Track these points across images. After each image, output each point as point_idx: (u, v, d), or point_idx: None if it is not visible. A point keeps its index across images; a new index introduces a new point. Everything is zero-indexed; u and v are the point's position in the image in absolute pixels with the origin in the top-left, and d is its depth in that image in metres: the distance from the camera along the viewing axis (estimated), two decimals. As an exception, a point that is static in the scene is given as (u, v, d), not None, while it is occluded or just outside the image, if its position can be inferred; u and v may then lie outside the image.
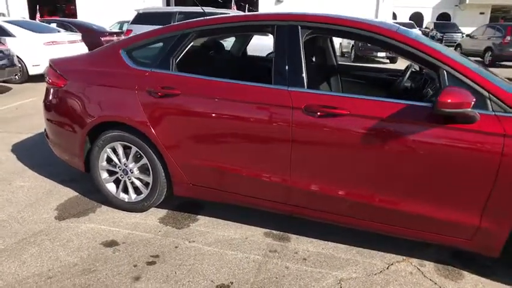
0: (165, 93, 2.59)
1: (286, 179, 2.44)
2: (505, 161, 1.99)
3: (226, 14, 2.92)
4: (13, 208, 3.01)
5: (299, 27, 2.40)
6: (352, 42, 15.37)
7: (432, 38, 25.64)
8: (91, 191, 3.25)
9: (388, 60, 15.36)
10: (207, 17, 2.65)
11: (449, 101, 1.91)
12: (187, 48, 2.69)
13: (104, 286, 2.16)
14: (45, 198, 3.18)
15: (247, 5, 16.34)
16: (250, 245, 2.58)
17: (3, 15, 21.45)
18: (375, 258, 2.46)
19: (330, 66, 3.67)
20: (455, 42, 20.46)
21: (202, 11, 7.71)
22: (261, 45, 7.45)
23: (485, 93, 2.06)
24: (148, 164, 2.79)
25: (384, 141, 2.16)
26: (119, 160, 2.88)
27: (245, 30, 2.64)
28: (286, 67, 2.37)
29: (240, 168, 2.54)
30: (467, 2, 33.42)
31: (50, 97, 3.07)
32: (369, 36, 2.30)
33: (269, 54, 5.20)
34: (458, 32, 25.75)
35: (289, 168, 2.41)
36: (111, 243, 2.58)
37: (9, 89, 7.81)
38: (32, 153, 4.16)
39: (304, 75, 2.35)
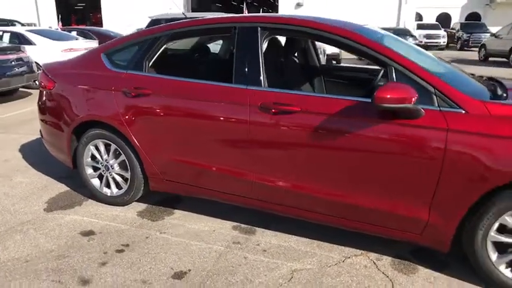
0: (137, 93, 2.77)
1: (248, 173, 2.55)
2: (448, 157, 2.03)
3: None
4: (8, 201, 3.27)
5: (258, 28, 2.52)
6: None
7: (458, 39, 24.94)
8: (81, 186, 3.46)
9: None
10: (177, 22, 2.82)
11: (388, 96, 1.97)
12: (160, 51, 2.86)
13: (73, 270, 2.34)
14: (39, 193, 3.43)
15: (261, 10, 16.45)
16: (216, 237, 2.71)
17: (34, 25, 22.65)
18: (334, 252, 2.53)
19: (313, 67, 3.75)
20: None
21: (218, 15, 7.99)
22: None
23: (431, 89, 2.11)
24: (126, 160, 2.97)
25: (333, 137, 2.25)
26: (101, 157, 3.09)
27: (211, 32, 2.79)
28: (246, 67, 2.49)
29: (207, 164, 2.68)
30: (498, 0, 32.27)
31: (42, 99, 3.32)
32: (318, 34, 2.40)
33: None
34: (487, 32, 24.90)
35: (250, 164, 2.52)
36: (88, 233, 2.77)
37: (29, 94, 8.30)
38: (36, 153, 4.46)
39: (262, 74, 2.46)
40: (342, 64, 12.70)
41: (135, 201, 3.19)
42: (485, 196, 2.01)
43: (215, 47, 3.98)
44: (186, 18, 3.08)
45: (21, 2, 26.63)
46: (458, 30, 25.72)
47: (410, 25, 24.90)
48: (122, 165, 3.04)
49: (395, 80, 2.17)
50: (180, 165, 2.77)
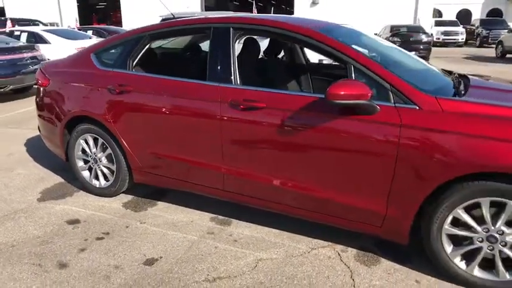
0: (121, 90, 2.93)
1: (220, 167, 2.67)
2: (401, 151, 2.10)
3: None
4: (6, 191, 3.49)
5: (230, 29, 2.63)
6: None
7: (478, 35, 24.33)
8: (74, 179, 3.64)
9: (419, 60, 14.91)
10: (159, 22, 2.95)
11: (340, 93, 2.05)
12: (142, 50, 3.01)
13: (54, 255, 2.52)
14: (35, 184, 3.64)
15: (272, 9, 16.50)
16: (192, 227, 2.84)
17: (56, 24, 23.38)
18: (302, 243, 2.62)
19: (299, 65, 3.83)
20: (502, 40, 19.31)
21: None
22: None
23: (388, 86, 2.17)
24: (112, 154, 3.14)
25: (295, 132, 2.34)
26: (90, 150, 3.26)
27: (189, 32, 2.92)
28: (218, 65, 2.61)
29: (183, 157, 2.81)
30: (521, -4, 31.28)
31: (39, 96, 3.52)
32: (281, 33, 2.49)
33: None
34: (507, 29, 24.20)
35: (221, 157, 2.64)
36: (74, 221, 2.95)
37: (43, 91, 8.65)
38: (39, 147, 4.68)
39: (233, 72, 2.57)
40: (330, 62, 12.67)
41: (123, 193, 3.35)
42: (438, 190, 2.07)
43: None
44: (174, 18, 3.21)
45: (45, 3, 27.53)
46: (477, 27, 25.10)
47: (428, 22, 24.45)
48: (109, 158, 3.21)
49: (353, 77, 2.24)
50: (159, 158, 2.91)
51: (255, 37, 3.05)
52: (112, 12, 32.76)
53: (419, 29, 14.92)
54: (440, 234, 2.14)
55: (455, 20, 26.12)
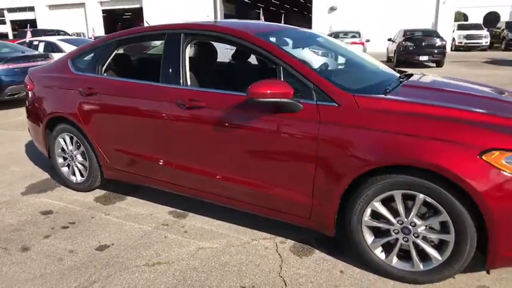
0: (89, 92, 3.19)
1: (172, 162, 2.87)
2: (320, 146, 2.23)
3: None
4: (-3, 185, 3.83)
5: (182, 34, 2.84)
6: (395, 47, 14.99)
7: (503, 38, 23.60)
8: (57, 174, 3.95)
9: (434, 64, 14.68)
10: (125, 30, 3.21)
11: (261, 91, 2.21)
12: (110, 55, 3.27)
13: (20, 240, 2.79)
14: (24, 179, 3.97)
15: (282, 16, 16.69)
16: (150, 219, 3.05)
17: (82, 34, 24.49)
18: (245, 235, 2.77)
19: (252, 67, 3.91)
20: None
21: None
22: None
23: (311, 85, 2.31)
24: (85, 151, 3.40)
25: (229, 129, 2.51)
26: (67, 148, 3.55)
27: (149, 38, 3.16)
28: (169, 68, 2.82)
29: (142, 154, 3.03)
30: (551, -3, 30.02)
31: (28, 99, 3.86)
32: (221, 36, 2.68)
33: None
34: (535, 31, 23.35)
35: (172, 153, 2.84)
36: (47, 212, 3.22)
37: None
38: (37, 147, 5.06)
39: (181, 74, 2.77)
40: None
41: (100, 188, 3.61)
42: (355, 183, 2.18)
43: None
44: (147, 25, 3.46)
45: (73, 14, 28.93)
46: (503, 30, 24.35)
47: (449, 26, 23.96)
48: (83, 155, 3.48)
49: (282, 77, 2.40)
50: (122, 155, 3.15)
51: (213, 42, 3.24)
52: (136, 22, 33.93)
53: (433, 33, 14.70)
54: (361, 225, 2.24)
55: (479, 23, 25.42)
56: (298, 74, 2.35)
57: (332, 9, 25.59)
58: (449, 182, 1.94)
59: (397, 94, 2.34)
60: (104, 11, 29.70)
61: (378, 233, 2.26)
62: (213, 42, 3.19)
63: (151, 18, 27.78)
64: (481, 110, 2.14)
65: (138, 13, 30.96)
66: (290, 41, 2.91)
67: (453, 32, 24.25)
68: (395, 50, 14.83)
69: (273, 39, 2.65)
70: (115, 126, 3.09)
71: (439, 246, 2.10)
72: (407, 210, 2.12)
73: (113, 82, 3.12)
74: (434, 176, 1.97)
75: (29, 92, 3.79)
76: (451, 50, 24.29)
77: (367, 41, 17.17)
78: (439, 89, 2.64)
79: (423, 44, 13.88)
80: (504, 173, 1.86)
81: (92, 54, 3.35)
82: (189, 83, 2.79)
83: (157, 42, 5.24)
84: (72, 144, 3.50)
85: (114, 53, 3.29)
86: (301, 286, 2.22)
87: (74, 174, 3.61)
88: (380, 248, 2.26)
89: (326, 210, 2.32)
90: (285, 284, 2.25)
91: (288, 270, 2.36)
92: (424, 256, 2.15)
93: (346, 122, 2.18)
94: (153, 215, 3.12)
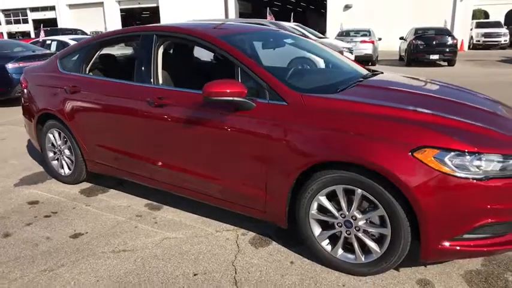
0: (73, 90, 3.40)
1: (144, 157, 3.05)
2: (271, 143, 2.35)
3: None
4: (-6, 177, 4.10)
5: (154, 36, 3.00)
6: (405, 46, 14.83)
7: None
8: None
9: (445, 63, 14.46)
10: (106, 32, 3.39)
11: (214, 90, 2.35)
12: (94, 55, 3.47)
13: (4, 227, 3.02)
14: (20, 172, 4.22)
15: (292, 14, 16.68)
16: (126, 211, 3.23)
17: (101, 33, 25.09)
18: (211, 227, 2.92)
19: (222, 66, 4.03)
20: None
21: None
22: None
23: (264, 85, 2.44)
24: (71, 146, 3.62)
25: (191, 126, 2.66)
26: (56, 143, 3.77)
27: (127, 40, 3.34)
28: (142, 67, 2.99)
29: (120, 149, 3.22)
30: None
31: (23, 96, 4.10)
32: (186, 38, 2.84)
33: None
34: (557, 29, 22.61)
35: (144, 148, 3.01)
36: (34, 202, 3.45)
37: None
38: (38, 142, 5.34)
39: (152, 73, 2.94)
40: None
41: (86, 181, 3.83)
42: (302, 178, 2.30)
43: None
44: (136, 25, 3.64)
45: (92, 13, 29.68)
46: (522, 28, 23.67)
47: (467, 24, 23.43)
48: (70, 150, 3.69)
49: (240, 77, 2.53)
50: (101, 150, 3.34)
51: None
52: (153, 20, 34.52)
53: (444, 32, 14.46)
54: (308, 218, 2.36)
55: (499, 21, 24.77)
56: (253, 74, 2.48)
57: (347, 7, 25.42)
58: (384, 178, 2.03)
59: (345, 94, 2.43)
60: (122, 10, 30.36)
61: (325, 226, 2.37)
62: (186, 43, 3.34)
63: (168, 16, 28.27)
64: (420, 109, 2.21)
65: (155, 12, 31.53)
66: (258, 43, 3.03)
67: (471, 30, 23.73)
68: (406, 49, 14.67)
69: (237, 41, 2.78)
70: (95, 123, 3.29)
71: (379, 239, 2.20)
72: (350, 205, 2.22)
73: (94, 81, 3.32)
74: (370, 172, 2.06)
75: (24, 90, 4.04)
76: (469, 49, 23.79)
77: (379, 39, 16.99)
78: (391, 88, 2.70)
79: (434, 42, 13.68)
80: (433, 169, 1.94)
81: (77, 55, 3.56)
82: (160, 82, 2.96)
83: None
84: (60, 139, 3.73)
85: (97, 53, 3.49)
86: (250, 274, 2.35)
87: (62, 167, 3.83)
88: (327, 241, 2.37)
89: (278, 203, 2.44)
90: (236, 271, 2.38)
91: (242, 260, 2.50)
92: (366, 249, 2.24)
93: (293, 120, 2.29)
94: (130, 207, 3.31)
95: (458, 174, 1.94)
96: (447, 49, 13.73)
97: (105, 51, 3.70)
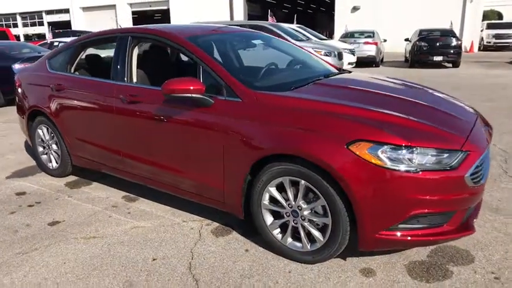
0: (58, 88, 3.62)
1: (119, 151, 3.24)
2: (227, 137, 2.51)
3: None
4: (-12, 170, 4.35)
5: (129, 37, 3.19)
6: (408, 48, 14.80)
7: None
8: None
9: (450, 65, 14.37)
10: (87, 34, 3.61)
11: (172, 87, 2.52)
12: (78, 55, 3.68)
13: (-11, 215, 3.25)
14: (13, 166, 4.47)
15: (295, 16, 16.78)
16: (104, 202, 3.43)
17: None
18: (179, 217, 3.09)
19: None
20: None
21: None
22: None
23: (223, 83, 2.59)
24: (57, 141, 3.84)
25: (158, 121, 2.84)
26: (45, 138, 4.00)
27: (107, 41, 3.54)
28: (117, 66, 3.19)
29: (98, 144, 3.41)
30: None
31: (16, 95, 4.35)
32: (157, 39, 3.02)
33: None
34: None
35: (118, 143, 3.20)
36: (21, 193, 3.68)
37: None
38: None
39: (126, 72, 3.12)
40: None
41: (73, 174, 4.04)
42: (253, 170, 2.44)
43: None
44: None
45: (105, 15, 30.29)
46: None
47: (477, 25, 23.15)
48: (57, 144, 3.91)
49: (201, 75, 2.69)
50: (82, 144, 3.55)
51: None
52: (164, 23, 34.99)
53: (449, 33, 14.38)
54: (261, 208, 2.50)
55: (511, 22, 24.38)
56: (213, 73, 2.64)
57: (355, 8, 25.39)
58: (323, 169, 2.16)
59: (297, 92, 2.57)
60: (133, 13, 30.92)
61: (276, 216, 2.51)
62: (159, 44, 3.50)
63: (178, 18, 28.67)
64: (362, 106, 2.33)
65: (166, 14, 32.00)
66: (225, 44, 3.19)
67: (481, 31, 23.45)
68: (410, 50, 14.64)
69: (202, 42, 2.94)
70: (76, 118, 3.50)
71: (323, 228, 2.33)
72: (296, 196, 2.36)
73: (75, 79, 3.53)
74: (311, 164, 2.20)
75: (18, 89, 4.28)
76: (479, 50, 23.51)
77: (384, 41, 16.99)
78: (345, 87, 2.82)
79: (437, 44, 13.63)
80: (367, 162, 2.07)
81: (63, 55, 3.78)
82: (135, 80, 3.14)
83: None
84: (48, 135, 3.95)
85: (81, 53, 3.70)
86: (205, 260, 2.51)
87: (50, 161, 4.06)
88: (278, 230, 2.51)
89: (235, 194, 2.59)
90: (192, 257, 2.54)
91: (200, 247, 2.66)
92: (311, 237, 2.38)
93: (246, 116, 2.44)
94: (108, 198, 3.50)
95: (391, 167, 2.06)
96: (451, 50, 13.66)
97: (91, 51, 3.91)
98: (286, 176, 2.33)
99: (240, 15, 26.85)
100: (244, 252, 2.59)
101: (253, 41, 3.54)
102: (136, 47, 3.21)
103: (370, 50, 14.53)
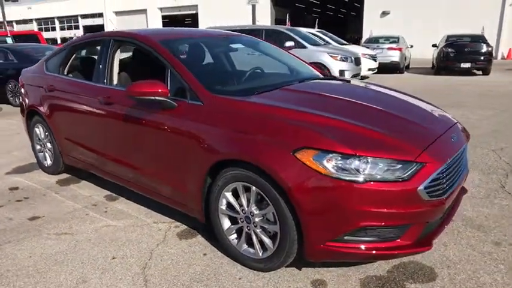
0: (50, 89, 3.77)
1: (98, 151, 3.33)
2: (187, 141, 2.52)
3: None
4: (-8, 165, 4.59)
5: (111, 40, 3.29)
6: (436, 54, 14.32)
7: None
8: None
9: (480, 72, 13.75)
10: (79, 37, 3.74)
11: (136, 90, 2.57)
12: (70, 58, 3.83)
13: (-21, 208, 3.42)
14: (15, 162, 4.70)
15: (316, 20, 16.62)
16: (85, 200, 3.53)
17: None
18: (151, 218, 3.14)
19: None
20: None
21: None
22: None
23: (187, 86, 2.62)
24: (50, 139, 4.00)
25: (128, 123, 2.91)
26: (40, 136, 4.18)
27: (94, 44, 3.65)
28: (99, 69, 3.29)
29: (82, 143, 3.53)
30: None
31: (20, 95, 4.57)
32: (133, 42, 3.11)
33: None
34: None
35: (98, 143, 3.30)
36: (14, 189, 3.86)
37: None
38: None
39: (106, 74, 3.22)
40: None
41: (66, 172, 4.19)
42: (212, 175, 2.45)
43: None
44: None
45: (137, 19, 31.25)
46: None
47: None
48: (51, 143, 4.07)
49: (169, 78, 2.72)
50: (69, 143, 3.68)
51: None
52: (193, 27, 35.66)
53: (479, 39, 13.78)
54: (218, 213, 2.50)
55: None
56: (178, 76, 2.67)
57: (384, 13, 24.87)
58: (270, 176, 2.13)
59: (259, 96, 2.54)
60: (164, 17, 31.74)
61: (233, 221, 2.50)
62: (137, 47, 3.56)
63: (205, 23, 29.14)
64: (317, 112, 2.28)
65: (195, 18, 32.65)
66: (201, 48, 3.23)
67: (519, 36, 22.32)
68: (436, 57, 14.16)
69: (175, 46, 2.98)
70: (64, 118, 3.64)
71: (274, 236, 2.29)
72: (249, 202, 2.34)
73: (64, 80, 3.68)
74: (260, 170, 2.17)
75: (21, 89, 4.50)
76: (518, 57, 22.39)
77: (411, 46, 16.54)
78: (312, 93, 2.74)
79: (466, 50, 13.09)
80: (311, 170, 2.02)
81: (57, 57, 3.94)
82: (115, 82, 3.23)
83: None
84: (43, 133, 4.12)
85: (72, 55, 3.85)
86: (161, 261, 2.54)
87: (45, 159, 4.23)
88: (234, 235, 2.50)
89: (195, 198, 2.60)
90: (150, 258, 2.57)
91: (161, 249, 2.68)
92: (264, 245, 2.34)
93: (205, 119, 2.45)
94: (91, 197, 3.61)
95: (336, 176, 2.00)
96: (481, 57, 13.08)
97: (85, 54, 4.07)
98: (239, 182, 2.32)
99: (266, 19, 26.94)
100: (202, 256, 2.59)
101: (233, 45, 3.55)
102: (118, 50, 3.30)
103: (393, 56, 14.17)
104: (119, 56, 3.33)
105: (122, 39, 3.27)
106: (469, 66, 13.17)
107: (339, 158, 2.01)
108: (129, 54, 3.92)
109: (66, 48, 3.89)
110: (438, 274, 2.36)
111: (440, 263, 2.47)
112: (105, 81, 3.23)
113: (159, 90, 2.55)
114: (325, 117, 2.24)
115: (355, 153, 2.01)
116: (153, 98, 2.57)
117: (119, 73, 3.32)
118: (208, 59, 3.20)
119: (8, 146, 5.45)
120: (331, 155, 2.02)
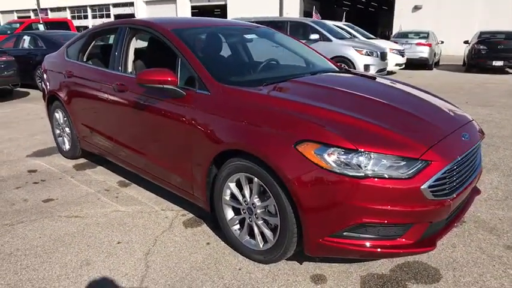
0: (69, 75, 3.87)
1: (112, 137, 3.40)
2: (194, 130, 2.53)
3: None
4: (15, 148, 4.77)
5: (127, 28, 3.32)
6: (467, 51, 13.78)
7: None
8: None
9: (511, 70, 13.15)
10: (98, 24, 3.80)
11: (145, 78, 2.59)
12: (89, 44, 3.90)
13: (0, 188, 3.56)
14: (37, 146, 4.86)
15: (313, 11, 16.13)
16: (99, 185, 3.62)
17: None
18: (160, 205, 3.18)
19: None
20: None
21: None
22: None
23: (196, 76, 2.62)
24: (69, 124, 4.11)
25: (139, 110, 2.94)
26: (59, 121, 4.30)
27: (111, 32, 3.70)
28: (115, 56, 3.33)
29: (97, 129, 3.61)
30: None
31: (42, 80, 4.71)
32: (147, 30, 3.12)
33: None
34: None
35: (111, 129, 3.36)
36: (32, 171, 4.00)
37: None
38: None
39: (121, 61, 3.26)
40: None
41: (84, 157, 4.30)
42: (215, 163, 2.45)
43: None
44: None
45: (166, 9, 31.55)
46: None
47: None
48: (69, 128, 4.19)
49: (180, 67, 2.72)
50: (85, 129, 3.77)
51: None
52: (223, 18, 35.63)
53: (510, 36, 13.15)
54: (221, 203, 2.50)
55: None
56: (188, 65, 2.67)
57: (416, 8, 24.08)
58: (271, 168, 2.11)
59: (266, 88, 2.51)
60: (193, 7, 31.89)
61: (236, 212, 2.49)
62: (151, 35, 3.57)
63: (234, 13, 29.07)
64: (323, 105, 2.23)
65: (224, 10, 32.60)
66: (214, 38, 3.22)
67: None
68: (467, 54, 13.62)
69: (187, 35, 2.98)
70: (82, 104, 3.73)
71: (275, 229, 2.27)
72: (251, 193, 2.33)
73: (82, 67, 3.76)
74: (262, 162, 2.15)
75: (43, 74, 4.64)
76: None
77: (441, 42, 15.97)
78: (321, 86, 2.67)
79: (499, 47, 12.51)
80: (312, 163, 1.98)
81: (77, 44, 4.03)
82: (129, 70, 3.27)
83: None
84: (62, 118, 4.24)
85: (91, 42, 3.92)
86: (164, 248, 2.57)
87: (64, 143, 4.35)
88: (237, 226, 2.49)
89: (201, 187, 2.61)
90: (154, 244, 2.61)
91: (166, 236, 2.72)
92: (265, 237, 2.33)
93: (211, 109, 2.45)
94: (104, 182, 3.69)
95: (337, 171, 1.95)
96: (515, 55, 12.48)
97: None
98: (242, 173, 2.31)
99: (295, 12, 26.63)
100: (205, 245, 2.60)
101: (247, 36, 3.52)
102: (134, 38, 3.33)
103: (422, 52, 13.73)
104: (135, 44, 3.36)
105: (137, 27, 3.29)
106: (502, 64, 12.59)
107: (341, 153, 1.97)
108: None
109: (85, 35, 3.97)
110: (443, 275, 2.28)
111: (446, 264, 2.39)
112: (120, 68, 3.27)
113: (168, 79, 2.56)
114: (329, 110, 2.19)
115: (357, 148, 1.96)
116: (161, 86, 2.59)
117: (134, 61, 3.36)
118: (220, 49, 3.19)
119: (32, 130, 5.65)
120: (332, 149, 1.97)
